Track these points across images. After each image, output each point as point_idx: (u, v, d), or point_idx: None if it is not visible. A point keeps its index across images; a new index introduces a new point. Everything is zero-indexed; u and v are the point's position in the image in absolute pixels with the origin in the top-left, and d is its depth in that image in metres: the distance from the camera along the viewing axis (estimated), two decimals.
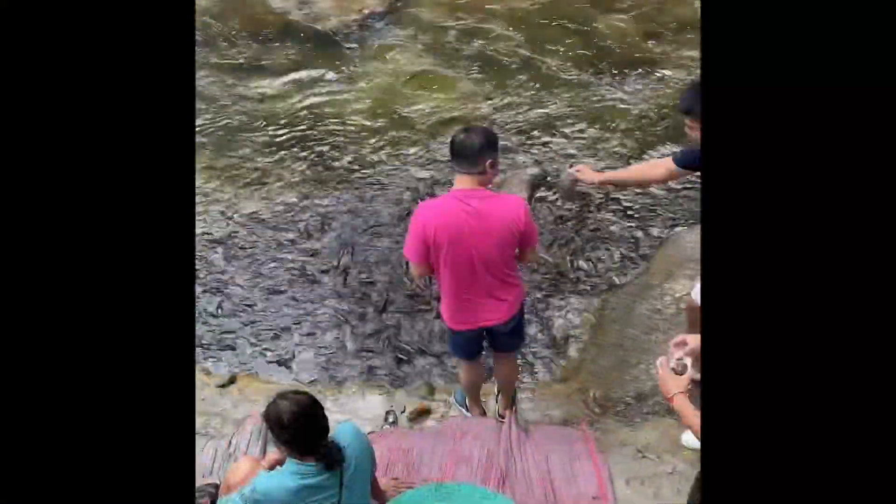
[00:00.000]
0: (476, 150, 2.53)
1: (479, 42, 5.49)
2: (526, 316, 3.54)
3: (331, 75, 5.32)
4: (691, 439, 2.82)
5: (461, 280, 2.63)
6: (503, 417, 3.11)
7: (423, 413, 3.32)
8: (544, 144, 4.74)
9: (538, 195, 4.44)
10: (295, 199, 4.45)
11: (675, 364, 2.00)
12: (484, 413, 3.18)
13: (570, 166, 3.79)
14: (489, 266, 2.61)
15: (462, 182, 2.57)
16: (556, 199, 4.37)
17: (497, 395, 3.22)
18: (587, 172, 2.94)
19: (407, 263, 3.56)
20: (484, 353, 3.06)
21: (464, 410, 3.21)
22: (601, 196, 4.27)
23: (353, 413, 3.25)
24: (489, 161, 2.55)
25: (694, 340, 2.01)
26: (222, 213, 4.38)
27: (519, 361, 3.44)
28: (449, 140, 2.67)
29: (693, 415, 1.87)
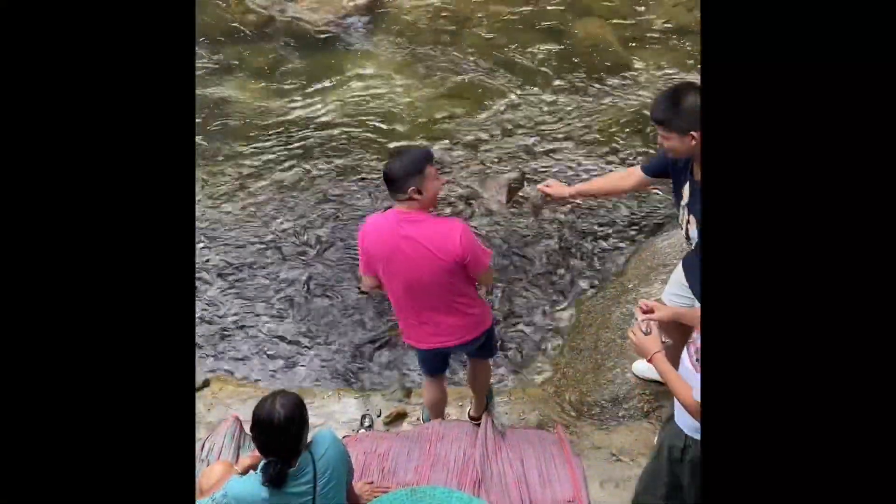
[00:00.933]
0: (399, 178, 2.47)
1: (458, 47, 5.51)
2: (504, 317, 3.57)
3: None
4: (643, 367, 2.97)
5: (402, 300, 2.63)
6: (475, 420, 3.10)
7: (399, 417, 3.32)
8: (524, 151, 4.75)
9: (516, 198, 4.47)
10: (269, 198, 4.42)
11: (644, 327, 2.13)
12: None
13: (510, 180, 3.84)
14: (429, 291, 2.55)
15: (398, 204, 2.53)
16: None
17: (426, 420, 3.21)
18: (556, 187, 2.92)
19: None
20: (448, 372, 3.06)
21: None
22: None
23: (328, 417, 3.24)
24: (412, 188, 2.46)
25: (661, 310, 2.22)
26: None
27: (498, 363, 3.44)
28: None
29: (671, 369, 2.09)
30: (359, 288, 3.82)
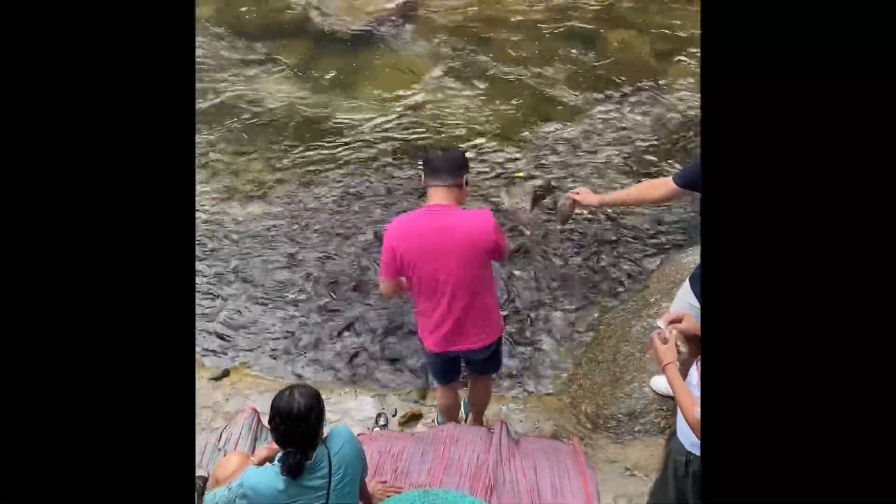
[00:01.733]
0: (457, 164, 2.56)
1: (488, 52, 5.52)
2: (523, 329, 3.56)
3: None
4: (661, 383, 2.91)
5: (432, 300, 2.59)
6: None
7: (413, 418, 3.32)
8: (544, 158, 4.75)
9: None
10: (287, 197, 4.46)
11: (666, 334, 2.15)
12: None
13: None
14: (462, 285, 2.55)
15: (437, 196, 2.54)
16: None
17: (466, 418, 3.20)
18: (586, 195, 2.90)
19: None
20: (462, 377, 3.03)
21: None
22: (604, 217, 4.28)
23: (344, 413, 3.26)
24: (465, 175, 2.57)
25: (688, 320, 2.20)
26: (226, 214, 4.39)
27: (513, 372, 3.44)
28: (426, 156, 2.65)
29: (681, 381, 2.10)
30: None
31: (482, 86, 5.23)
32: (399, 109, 5.04)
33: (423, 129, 4.88)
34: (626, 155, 4.69)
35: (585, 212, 3.97)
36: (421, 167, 2.63)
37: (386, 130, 4.89)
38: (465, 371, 3.03)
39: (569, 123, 4.91)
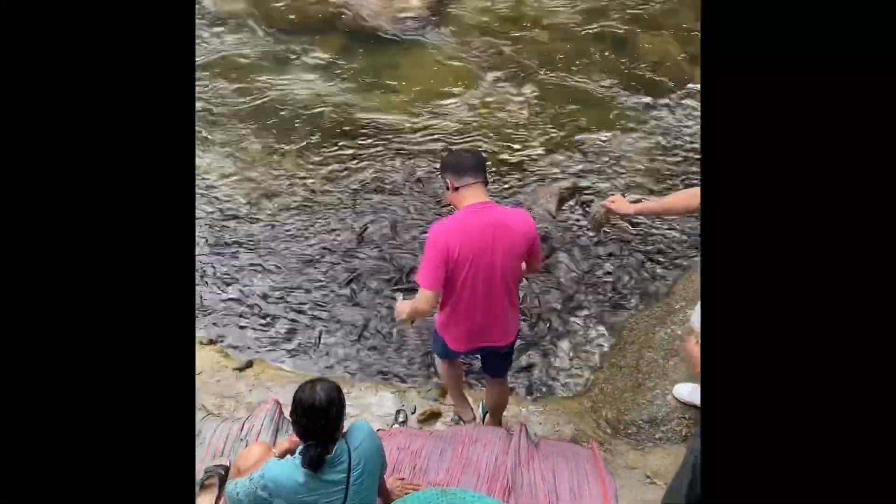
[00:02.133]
0: (482, 160, 2.61)
1: (516, 50, 5.50)
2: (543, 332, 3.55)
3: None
4: (684, 391, 2.86)
5: (479, 300, 2.58)
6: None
7: (433, 416, 3.33)
8: (573, 160, 4.72)
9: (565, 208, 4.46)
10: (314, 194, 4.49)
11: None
12: (473, 418, 3.17)
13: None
14: (503, 281, 2.57)
15: (475, 196, 2.53)
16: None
17: (483, 418, 3.20)
18: (621, 203, 2.86)
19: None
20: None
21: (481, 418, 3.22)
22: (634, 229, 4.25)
23: (364, 408, 3.27)
24: (487, 174, 2.61)
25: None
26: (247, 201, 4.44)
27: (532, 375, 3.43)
28: (447, 159, 2.63)
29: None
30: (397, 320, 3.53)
31: (528, 90, 5.21)
32: (444, 112, 5.02)
33: (476, 133, 4.86)
34: (663, 161, 4.65)
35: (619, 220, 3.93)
36: (443, 172, 2.61)
37: (431, 134, 4.89)
38: (476, 371, 3.01)
39: (610, 130, 4.88)
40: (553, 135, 4.86)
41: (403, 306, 2.66)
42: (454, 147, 4.67)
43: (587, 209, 4.31)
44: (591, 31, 5.64)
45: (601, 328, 3.77)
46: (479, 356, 2.92)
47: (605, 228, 3.61)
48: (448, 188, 2.58)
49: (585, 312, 3.85)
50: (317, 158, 4.70)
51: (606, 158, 4.70)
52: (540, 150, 4.78)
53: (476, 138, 4.83)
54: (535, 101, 5.12)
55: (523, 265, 2.66)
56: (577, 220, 4.33)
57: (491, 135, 4.86)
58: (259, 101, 5.10)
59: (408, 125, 4.90)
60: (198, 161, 4.51)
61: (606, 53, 5.45)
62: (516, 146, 4.80)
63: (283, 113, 5.00)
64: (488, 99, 5.13)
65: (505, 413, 3.23)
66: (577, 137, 4.86)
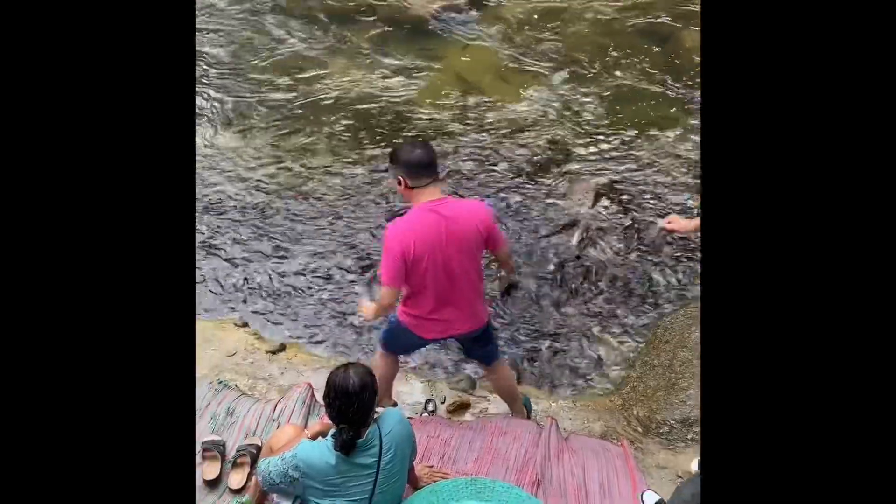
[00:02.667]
0: (435, 155, 2.59)
1: (555, 43, 5.46)
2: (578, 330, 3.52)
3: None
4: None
5: (442, 292, 2.61)
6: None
7: (462, 406, 3.33)
8: (612, 158, 4.67)
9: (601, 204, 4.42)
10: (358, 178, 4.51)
11: None
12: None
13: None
14: (467, 273, 2.61)
15: (430, 193, 2.55)
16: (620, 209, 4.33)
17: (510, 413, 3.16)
18: (678, 222, 2.78)
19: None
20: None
21: None
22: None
23: (394, 396, 3.28)
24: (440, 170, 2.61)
25: None
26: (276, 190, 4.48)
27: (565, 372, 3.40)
28: (400, 158, 2.56)
29: None
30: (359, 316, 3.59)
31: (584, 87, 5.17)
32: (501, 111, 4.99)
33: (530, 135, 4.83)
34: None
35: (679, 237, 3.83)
36: (396, 169, 2.57)
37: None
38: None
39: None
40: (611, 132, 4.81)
41: (368, 307, 2.71)
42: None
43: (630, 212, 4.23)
44: (637, 26, 5.57)
45: (634, 327, 3.73)
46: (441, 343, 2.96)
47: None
48: (400, 184, 2.57)
49: (619, 310, 3.81)
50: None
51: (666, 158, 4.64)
52: (603, 146, 4.73)
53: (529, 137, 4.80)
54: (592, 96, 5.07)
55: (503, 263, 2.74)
56: (613, 217, 4.28)
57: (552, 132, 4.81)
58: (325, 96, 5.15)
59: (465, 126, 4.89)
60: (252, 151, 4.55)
61: (656, 49, 5.37)
62: (581, 142, 4.75)
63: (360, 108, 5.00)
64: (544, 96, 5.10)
65: (534, 407, 3.21)
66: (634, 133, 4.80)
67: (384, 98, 5.07)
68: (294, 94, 5.12)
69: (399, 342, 2.88)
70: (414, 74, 5.25)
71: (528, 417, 3.12)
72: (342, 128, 4.86)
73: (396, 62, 5.36)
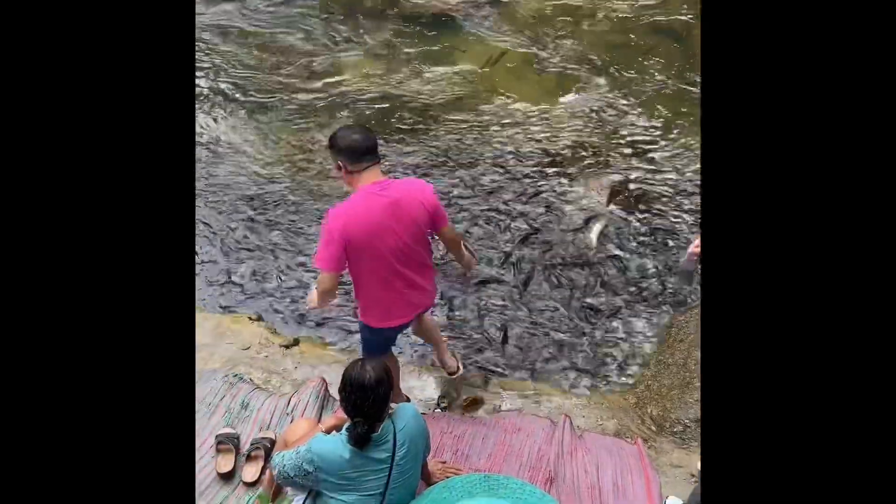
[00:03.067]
0: (374, 138, 2.55)
1: (573, 42, 5.43)
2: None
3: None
4: None
5: (385, 275, 2.58)
6: (452, 374, 3.11)
7: (475, 403, 3.32)
8: (628, 155, 4.65)
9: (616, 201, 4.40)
10: None
11: None
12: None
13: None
14: (411, 253, 2.58)
15: (372, 176, 2.52)
16: (635, 205, 4.31)
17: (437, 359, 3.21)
18: None
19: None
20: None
21: None
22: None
23: (407, 391, 3.28)
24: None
25: None
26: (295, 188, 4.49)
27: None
28: (340, 143, 2.52)
29: None
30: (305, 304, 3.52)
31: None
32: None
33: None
34: None
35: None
36: (335, 155, 2.54)
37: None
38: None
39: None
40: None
41: (312, 294, 2.70)
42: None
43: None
44: (652, 23, 5.53)
45: (649, 325, 3.71)
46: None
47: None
48: (340, 169, 2.54)
49: (633, 309, 3.79)
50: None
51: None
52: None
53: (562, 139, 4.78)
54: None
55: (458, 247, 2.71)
56: (627, 216, 4.26)
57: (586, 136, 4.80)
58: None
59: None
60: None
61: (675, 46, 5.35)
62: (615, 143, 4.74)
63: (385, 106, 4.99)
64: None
65: (548, 404, 3.21)
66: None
67: (408, 97, 5.07)
68: (318, 93, 5.13)
69: (377, 342, 2.85)
70: (432, 73, 5.25)
71: (457, 368, 3.14)
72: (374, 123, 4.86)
73: (419, 59, 5.36)
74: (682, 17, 5.55)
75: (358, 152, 2.50)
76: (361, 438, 2.15)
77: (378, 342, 2.84)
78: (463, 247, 2.89)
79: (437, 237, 2.74)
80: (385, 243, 2.51)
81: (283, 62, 5.38)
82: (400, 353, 3.61)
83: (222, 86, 5.21)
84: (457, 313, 3.77)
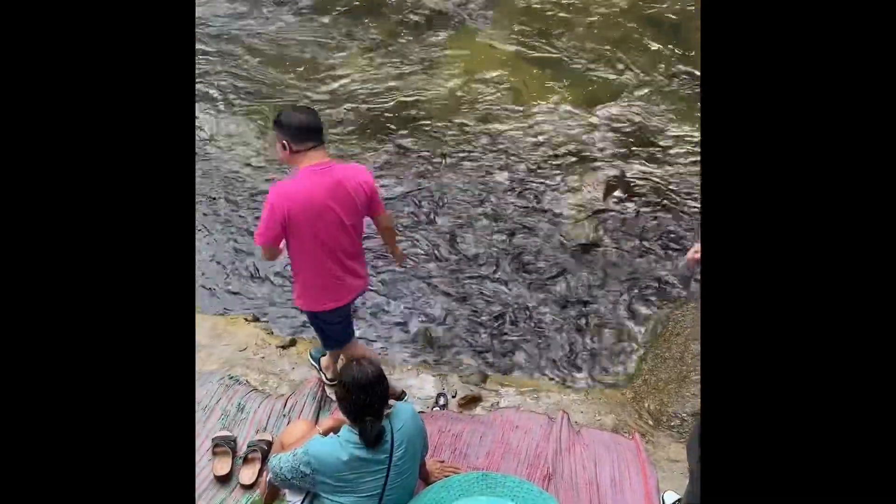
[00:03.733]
0: (319, 120, 2.56)
1: (567, 40, 5.42)
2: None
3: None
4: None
5: (324, 257, 2.60)
6: (333, 381, 3.04)
7: (473, 401, 3.32)
8: (629, 154, 4.65)
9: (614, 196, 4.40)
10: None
11: None
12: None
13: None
14: (349, 236, 2.62)
15: (315, 156, 2.54)
16: (625, 199, 4.31)
17: (319, 361, 3.21)
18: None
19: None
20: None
21: (317, 367, 3.22)
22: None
23: (405, 390, 3.28)
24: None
25: None
26: None
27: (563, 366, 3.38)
28: (285, 122, 2.53)
29: None
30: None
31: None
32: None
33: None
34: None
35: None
36: (280, 134, 2.54)
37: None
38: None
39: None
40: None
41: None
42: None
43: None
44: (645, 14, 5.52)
45: (645, 319, 3.71)
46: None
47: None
48: (285, 149, 2.55)
49: (630, 303, 3.79)
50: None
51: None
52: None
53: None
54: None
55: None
56: (623, 211, 4.26)
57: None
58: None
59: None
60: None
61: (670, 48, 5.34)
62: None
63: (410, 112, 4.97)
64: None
65: (546, 400, 3.21)
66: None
67: (406, 97, 5.05)
68: (322, 93, 5.12)
69: (336, 328, 2.86)
70: (426, 70, 5.23)
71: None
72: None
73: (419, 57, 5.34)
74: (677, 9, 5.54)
75: (303, 132, 2.52)
76: (376, 438, 2.15)
77: (331, 329, 2.85)
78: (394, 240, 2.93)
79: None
80: (325, 222, 2.55)
81: (283, 64, 5.36)
82: (383, 350, 3.61)
83: (216, 88, 5.19)
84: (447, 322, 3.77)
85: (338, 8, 5.79)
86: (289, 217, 2.50)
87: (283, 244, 2.62)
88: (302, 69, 5.30)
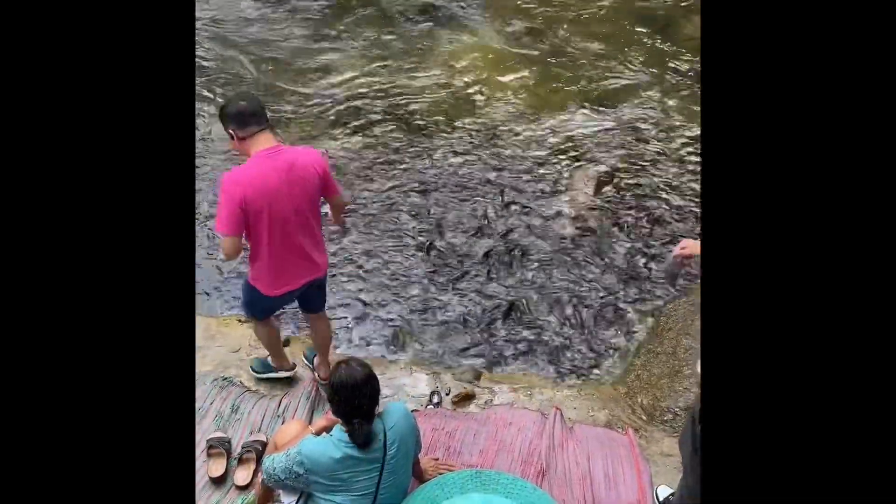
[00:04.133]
0: (263, 105, 2.59)
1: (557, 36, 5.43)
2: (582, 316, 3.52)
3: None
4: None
5: (281, 240, 2.62)
6: (325, 380, 3.06)
7: (467, 398, 3.33)
8: (620, 146, 4.66)
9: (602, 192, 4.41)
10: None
11: None
12: (293, 366, 3.21)
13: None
14: (304, 220, 2.64)
15: (265, 141, 2.56)
16: (620, 197, 4.32)
17: (314, 361, 3.24)
18: (693, 246, 2.54)
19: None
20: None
21: (311, 366, 3.27)
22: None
23: (398, 389, 3.29)
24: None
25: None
26: None
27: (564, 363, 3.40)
28: (227, 111, 2.56)
29: None
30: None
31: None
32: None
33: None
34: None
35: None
36: (226, 124, 2.56)
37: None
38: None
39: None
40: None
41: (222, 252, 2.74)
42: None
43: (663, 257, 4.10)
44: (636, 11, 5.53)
45: (637, 315, 3.73)
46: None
47: (687, 268, 3.24)
48: (233, 139, 2.58)
49: (623, 299, 3.81)
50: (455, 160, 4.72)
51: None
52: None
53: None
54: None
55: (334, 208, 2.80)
56: (615, 206, 4.28)
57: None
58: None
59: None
60: None
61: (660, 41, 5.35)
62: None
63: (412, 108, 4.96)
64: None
65: (540, 396, 3.22)
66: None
67: (402, 96, 5.05)
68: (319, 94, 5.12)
69: (261, 305, 2.89)
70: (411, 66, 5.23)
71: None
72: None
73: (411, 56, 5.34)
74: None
75: (243, 117, 2.54)
76: (367, 438, 2.15)
77: (264, 308, 2.91)
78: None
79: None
80: (281, 206, 2.56)
81: (279, 65, 5.35)
82: (364, 348, 3.62)
83: (208, 90, 5.17)
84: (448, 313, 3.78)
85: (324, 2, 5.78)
86: (245, 202, 2.51)
87: (243, 238, 2.61)
88: (290, 68, 5.29)
